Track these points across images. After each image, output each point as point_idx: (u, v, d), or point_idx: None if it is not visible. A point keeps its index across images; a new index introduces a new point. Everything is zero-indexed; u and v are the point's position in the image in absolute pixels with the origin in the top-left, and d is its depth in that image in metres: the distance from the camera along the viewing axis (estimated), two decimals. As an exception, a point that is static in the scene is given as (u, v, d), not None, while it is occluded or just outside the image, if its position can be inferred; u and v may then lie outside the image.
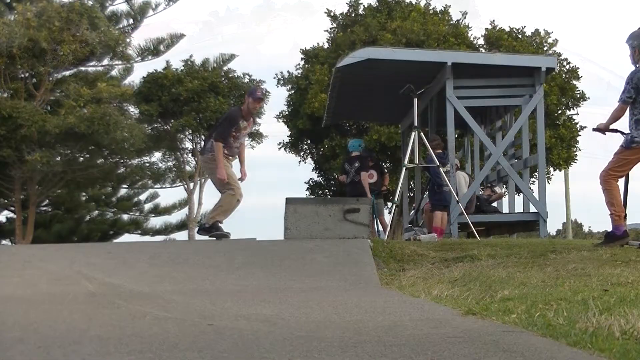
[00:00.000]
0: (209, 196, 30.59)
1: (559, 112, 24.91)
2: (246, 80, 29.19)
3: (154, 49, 29.05)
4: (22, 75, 25.53)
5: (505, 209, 14.83)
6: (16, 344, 2.86)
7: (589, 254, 6.55)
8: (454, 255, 6.89)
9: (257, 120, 10.82)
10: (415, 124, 11.04)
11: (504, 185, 15.74)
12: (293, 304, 4.22)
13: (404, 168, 11.22)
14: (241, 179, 9.49)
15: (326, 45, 26.33)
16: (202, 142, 30.37)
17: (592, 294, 4.01)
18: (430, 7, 26.33)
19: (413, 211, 14.75)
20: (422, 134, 11.22)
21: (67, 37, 23.95)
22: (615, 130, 7.60)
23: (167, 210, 33.66)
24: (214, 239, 9.08)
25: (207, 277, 5.99)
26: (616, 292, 4.13)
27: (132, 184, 31.46)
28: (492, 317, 3.41)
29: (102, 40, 25.29)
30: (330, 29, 26.60)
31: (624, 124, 7.54)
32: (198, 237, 10.78)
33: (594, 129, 7.76)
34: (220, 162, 9.10)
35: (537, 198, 12.95)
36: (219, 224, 9.24)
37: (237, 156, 9.71)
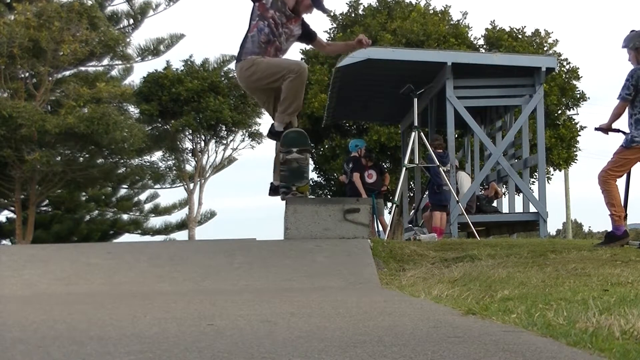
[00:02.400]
0: (209, 196, 30.63)
1: (559, 112, 24.92)
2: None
3: (154, 49, 29.06)
4: (22, 75, 25.53)
5: (505, 209, 14.84)
6: (16, 344, 2.86)
7: (589, 254, 6.55)
8: (454, 255, 6.88)
9: (309, 19, 6.70)
10: (415, 124, 11.05)
11: (504, 185, 15.74)
12: (293, 304, 4.22)
13: (404, 168, 11.22)
14: (361, 44, 7.08)
15: (326, 46, 26.32)
16: (202, 143, 30.50)
17: (592, 294, 4.01)
18: (430, 7, 26.35)
19: (413, 211, 14.75)
20: (422, 134, 11.24)
21: (67, 37, 23.95)
22: (617, 130, 7.60)
23: (167, 210, 33.68)
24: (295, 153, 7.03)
25: (207, 277, 5.99)
26: (616, 292, 4.13)
27: (132, 184, 31.46)
28: (492, 317, 3.41)
29: (102, 40, 25.29)
30: (330, 29, 26.62)
31: (623, 123, 7.55)
32: (198, 236, 10.14)
33: (596, 129, 7.76)
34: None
35: (537, 198, 12.96)
36: (293, 124, 7.11)
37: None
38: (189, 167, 31.00)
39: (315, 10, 6.89)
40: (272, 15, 6.76)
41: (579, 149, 25.65)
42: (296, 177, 7.27)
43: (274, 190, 7.39)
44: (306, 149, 7.16)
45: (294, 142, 7.07)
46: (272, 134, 7.13)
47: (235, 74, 7.33)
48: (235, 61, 7.08)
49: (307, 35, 7.10)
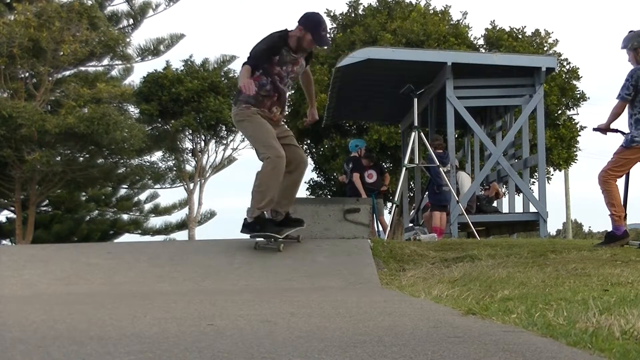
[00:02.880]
0: (209, 196, 30.66)
1: (559, 112, 24.92)
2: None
3: (154, 49, 29.06)
4: (22, 75, 25.53)
5: (505, 209, 14.84)
6: (16, 344, 2.86)
7: (589, 254, 6.55)
8: (454, 255, 6.89)
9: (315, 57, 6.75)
10: (415, 124, 11.05)
11: (504, 185, 15.75)
12: (293, 304, 4.22)
13: (404, 168, 11.22)
14: (306, 122, 7.16)
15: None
16: (202, 143, 30.50)
17: (592, 294, 4.01)
18: (430, 7, 26.35)
19: (413, 211, 14.76)
20: (422, 134, 11.24)
21: (67, 37, 23.95)
22: (616, 130, 7.60)
23: (167, 210, 33.69)
24: (260, 240, 6.69)
25: (207, 277, 5.99)
26: (616, 292, 4.13)
27: (132, 184, 31.47)
28: (492, 317, 3.41)
29: (102, 40, 25.29)
30: (330, 29, 26.61)
31: (623, 123, 7.55)
32: (198, 236, 10.00)
33: (594, 129, 7.76)
34: (244, 78, 6.35)
35: (537, 198, 12.96)
36: (263, 216, 6.60)
37: (283, 108, 6.85)
38: (189, 167, 31.02)
39: (316, 42, 6.67)
40: (279, 71, 6.63)
41: (579, 149, 25.66)
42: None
43: (246, 227, 6.71)
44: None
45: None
46: (245, 226, 6.67)
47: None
48: (232, 103, 6.95)
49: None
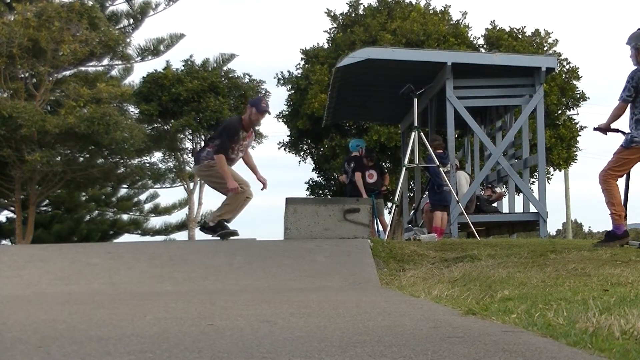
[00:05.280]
0: (209, 196, 30.62)
1: (559, 112, 24.92)
2: (246, 80, 29.21)
3: (154, 49, 29.05)
4: (22, 75, 25.52)
5: (505, 209, 14.83)
6: (16, 344, 2.86)
7: (589, 254, 6.55)
8: (454, 255, 6.89)
9: (258, 130, 9.71)
10: (415, 124, 11.05)
11: (504, 185, 15.74)
12: (293, 304, 4.22)
13: (404, 168, 11.22)
14: (263, 187, 8.96)
15: (326, 45, 26.33)
16: (202, 143, 30.48)
17: (592, 294, 4.01)
18: (430, 7, 26.34)
19: (413, 211, 14.75)
20: (422, 134, 11.23)
21: (67, 37, 23.94)
22: (616, 130, 7.59)
23: (167, 210, 33.69)
24: (218, 238, 8.50)
25: (207, 277, 6.00)
26: (616, 292, 4.13)
27: (132, 184, 31.46)
28: (492, 317, 3.41)
29: (102, 40, 25.28)
30: (330, 29, 26.62)
31: (624, 123, 7.55)
32: (198, 237, 10.61)
33: (594, 129, 7.75)
34: (227, 174, 8.47)
35: (537, 198, 12.96)
36: (225, 222, 8.68)
37: (238, 163, 9.08)
38: (188, 167, 31.00)
39: (262, 114, 8.75)
40: (238, 147, 8.73)
41: (579, 149, 25.65)
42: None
43: (208, 229, 8.75)
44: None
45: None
46: (206, 228, 8.79)
47: (194, 170, 8.97)
48: (194, 163, 9.26)
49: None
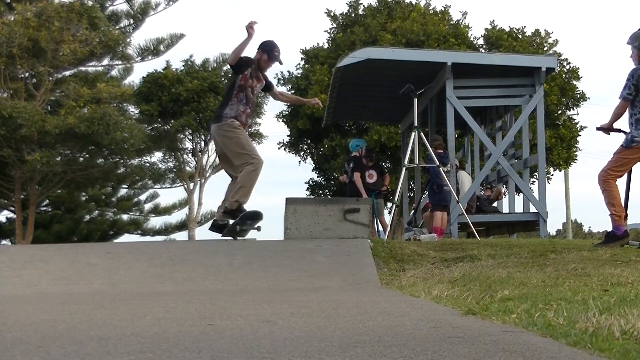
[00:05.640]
0: (209, 196, 30.64)
1: (559, 112, 24.91)
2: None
3: (154, 49, 29.05)
4: (22, 75, 25.52)
5: (505, 209, 14.84)
6: (16, 344, 2.86)
7: (589, 254, 6.55)
8: (454, 255, 6.89)
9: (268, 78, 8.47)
10: (415, 124, 11.05)
11: (504, 185, 15.74)
12: (293, 304, 4.22)
13: (404, 168, 11.22)
14: (318, 105, 8.83)
15: (326, 46, 26.33)
16: (202, 143, 30.50)
17: (592, 294, 4.01)
18: (430, 7, 26.34)
19: (412, 212, 14.75)
20: (422, 134, 11.23)
21: (67, 37, 23.94)
22: (619, 130, 7.60)
23: (167, 210, 33.70)
24: (238, 226, 8.02)
25: (207, 277, 6.00)
26: (616, 292, 4.13)
27: (132, 184, 31.47)
28: (492, 317, 3.41)
29: (102, 40, 25.28)
30: (330, 29, 26.62)
31: (624, 123, 7.55)
32: (198, 237, 10.39)
33: (597, 129, 7.76)
34: (243, 45, 7.86)
35: (537, 198, 12.96)
36: (244, 207, 8.08)
37: (251, 119, 8.58)
38: (188, 167, 31.01)
39: (273, 64, 8.24)
40: (251, 84, 8.11)
41: (579, 149, 25.65)
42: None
43: (217, 228, 8.24)
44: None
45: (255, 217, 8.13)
46: (227, 213, 8.11)
47: (212, 129, 8.26)
48: (212, 122, 8.27)
49: (268, 87, 8.55)
